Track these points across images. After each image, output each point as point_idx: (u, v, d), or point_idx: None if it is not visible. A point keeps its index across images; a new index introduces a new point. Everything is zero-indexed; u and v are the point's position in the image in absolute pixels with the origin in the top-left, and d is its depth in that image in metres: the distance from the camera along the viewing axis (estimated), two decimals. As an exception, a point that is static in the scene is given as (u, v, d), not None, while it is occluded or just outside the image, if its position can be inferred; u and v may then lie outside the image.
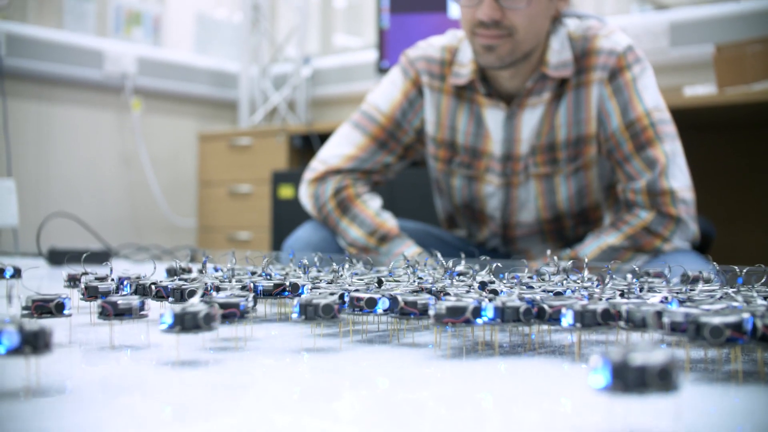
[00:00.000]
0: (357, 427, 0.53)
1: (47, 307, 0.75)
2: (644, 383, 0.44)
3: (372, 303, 0.78)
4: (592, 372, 0.46)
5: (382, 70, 3.43)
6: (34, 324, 0.56)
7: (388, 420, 0.54)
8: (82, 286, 0.86)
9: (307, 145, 3.60)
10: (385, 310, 0.78)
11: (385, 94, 1.81)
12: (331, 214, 1.74)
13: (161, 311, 0.68)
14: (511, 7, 1.54)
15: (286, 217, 3.27)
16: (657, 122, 1.61)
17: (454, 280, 0.92)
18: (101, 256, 2.02)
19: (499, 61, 1.60)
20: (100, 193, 3.93)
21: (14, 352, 0.55)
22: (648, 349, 0.45)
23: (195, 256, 1.61)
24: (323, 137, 3.37)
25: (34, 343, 0.55)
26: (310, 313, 0.73)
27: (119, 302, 0.75)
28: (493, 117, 1.72)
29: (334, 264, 1.02)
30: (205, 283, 0.87)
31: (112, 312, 0.75)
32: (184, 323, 0.66)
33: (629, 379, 0.44)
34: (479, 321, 0.71)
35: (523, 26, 1.57)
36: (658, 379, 0.44)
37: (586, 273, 0.95)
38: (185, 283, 0.87)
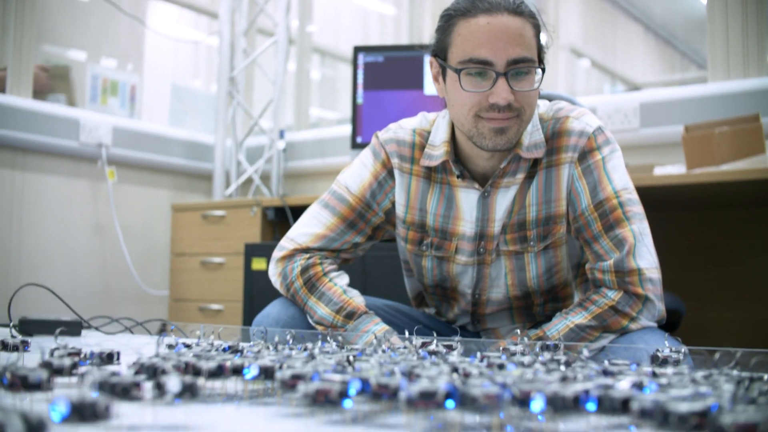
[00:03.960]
0: None
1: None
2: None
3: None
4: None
5: (356, 145, 3.47)
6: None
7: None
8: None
9: (280, 217, 3.60)
10: (357, 392, 0.79)
11: (355, 175, 1.82)
12: (299, 293, 1.74)
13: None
14: (521, 90, 1.57)
15: (259, 289, 3.26)
16: (625, 202, 1.63)
17: (425, 362, 0.93)
18: (73, 328, 2.01)
19: (508, 143, 1.61)
20: (73, 262, 3.90)
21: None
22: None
23: (165, 328, 1.61)
24: (297, 210, 3.38)
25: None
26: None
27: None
28: (467, 198, 1.74)
29: (308, 343, 1.03)
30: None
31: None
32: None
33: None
34: (450, 405, 0.72)
35: (529, 107, 1.61)
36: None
37: (555, 354, 0.96)
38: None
